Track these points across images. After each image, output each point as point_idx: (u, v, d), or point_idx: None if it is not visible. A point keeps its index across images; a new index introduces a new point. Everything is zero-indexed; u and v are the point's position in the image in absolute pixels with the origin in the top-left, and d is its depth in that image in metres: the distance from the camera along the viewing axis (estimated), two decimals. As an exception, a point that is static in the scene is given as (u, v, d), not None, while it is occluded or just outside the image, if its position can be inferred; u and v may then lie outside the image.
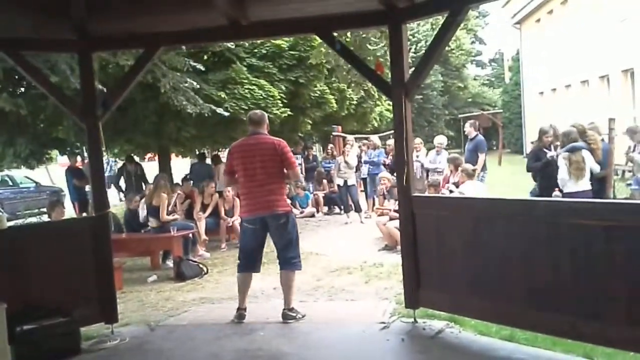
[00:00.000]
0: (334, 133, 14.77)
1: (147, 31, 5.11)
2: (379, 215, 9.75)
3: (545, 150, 7.74)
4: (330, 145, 15.06)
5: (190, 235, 9.03)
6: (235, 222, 10.17)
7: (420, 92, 26.89)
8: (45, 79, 5.47)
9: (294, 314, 5.43)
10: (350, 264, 8.10)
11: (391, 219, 9.03)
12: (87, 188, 11.84)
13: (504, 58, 40.65)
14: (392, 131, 15.09)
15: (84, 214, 11.20)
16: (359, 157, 13.24)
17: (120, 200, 11.74)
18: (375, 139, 13.29)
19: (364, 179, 13.09)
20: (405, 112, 4.88)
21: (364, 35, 9.61)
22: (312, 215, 13.47)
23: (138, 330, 5.48)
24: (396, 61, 4.87)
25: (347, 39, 9.15)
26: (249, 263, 5.56)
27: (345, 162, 12.12)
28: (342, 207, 12.76)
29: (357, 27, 7.16)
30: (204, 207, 10.32)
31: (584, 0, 21.01)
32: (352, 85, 12.42)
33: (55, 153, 15.95)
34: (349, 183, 12.12)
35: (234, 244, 10.05)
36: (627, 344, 3.74)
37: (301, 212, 13.44)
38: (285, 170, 5.40)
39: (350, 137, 13.51)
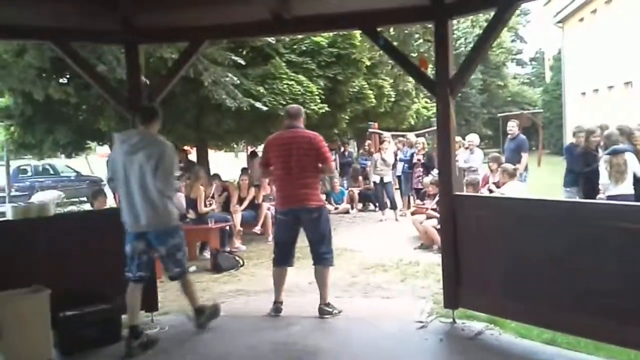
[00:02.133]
0: (370, 130, 14.72)
1: (192, 25, 5.15)
2: (415, 214, 9.67)
3: (592, 151, 7.54)
4: (368, 142, 14.98)
5: (228, 227, 9.10)
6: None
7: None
8: (92, 69, 5.57)
9: (331, 309, 5.43)
10: (385, 261, 8.05)
11: (428, 217, 8.96)
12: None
13: (544, 57, 39.83)
14: (429, 129, 14.92)
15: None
16: (396, 154, 13.16)
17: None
18: (412, 136, 13.19)
19: (399, 177, 13.01)
20: (450, 110, 4.82)
21: (406, 31, 9.51)
22: (347, 212, 13.46)
23: (177, 319, 5.55)
24: (441, 58, 4.80)
25: (391, 34, 9.05)
26: (283, 257, 5.58)
27: (382, 159, 12.06)
28: (378, 204, 12.71)
29: (402, 23, 7.07)
30: (240, 200, 10.42)
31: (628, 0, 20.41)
32: (398, 78, 12.24)
33: (94, 144, 16.27)
34: (385, 180, 12.06)
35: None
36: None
37: (335, 209, 13.45)
38: (320, 165, 5.40)
39: (386, 134, 13.44)
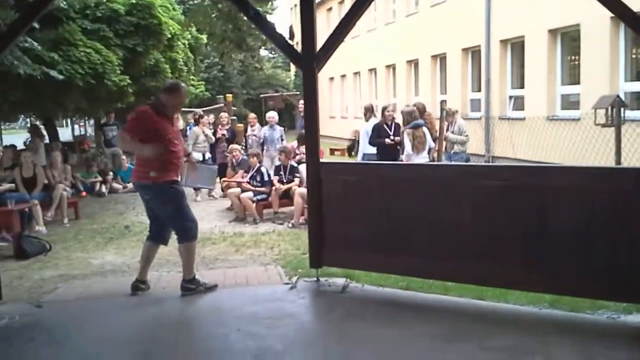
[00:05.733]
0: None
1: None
2: (227, 188, 9.82)
3: (386, 125, 8.55)
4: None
5: (27, 209, 8.16)
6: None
7: (222, 70, 26.95)
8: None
9: (194, 286, 5.27)
10: (210, 235, 8.10)
11: (243, 190, 9.19)
12: None
13: (293, 43, 42.11)
14: (215, 105, 14.95)
15: None
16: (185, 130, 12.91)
17: None
18: (199, 112, 13.13)
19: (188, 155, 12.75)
20: (315, 82, 5.14)
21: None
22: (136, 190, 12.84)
23: (22, 308, 4.97)
24: (307, 32, 5.08)
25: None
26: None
27: (205, 134, 11.50)
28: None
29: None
30: (24, 181, 9.39)
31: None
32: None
33: None
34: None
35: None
36: (520, 283, 4.45)
37: (124, 188, 12.79)
38: None
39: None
